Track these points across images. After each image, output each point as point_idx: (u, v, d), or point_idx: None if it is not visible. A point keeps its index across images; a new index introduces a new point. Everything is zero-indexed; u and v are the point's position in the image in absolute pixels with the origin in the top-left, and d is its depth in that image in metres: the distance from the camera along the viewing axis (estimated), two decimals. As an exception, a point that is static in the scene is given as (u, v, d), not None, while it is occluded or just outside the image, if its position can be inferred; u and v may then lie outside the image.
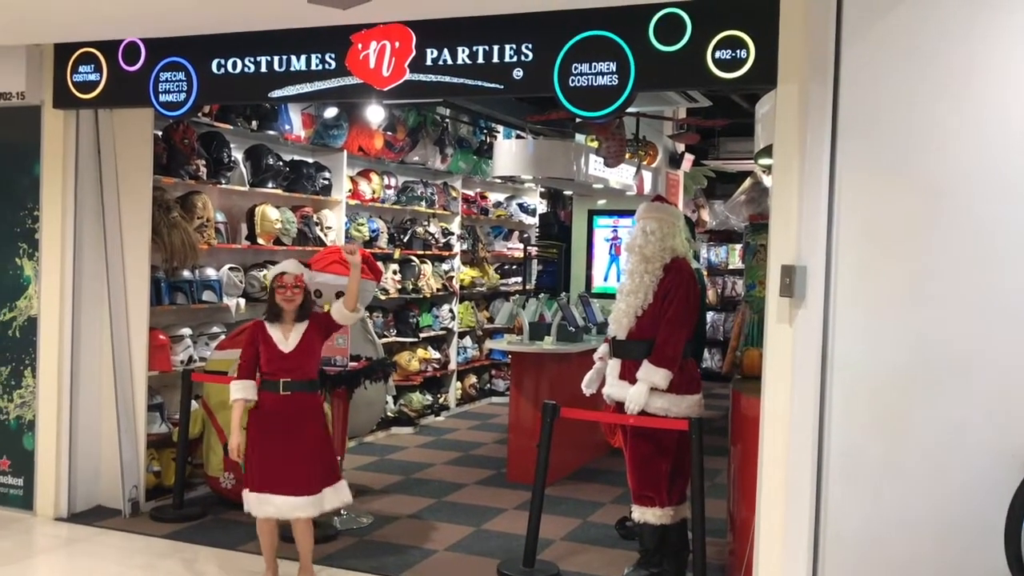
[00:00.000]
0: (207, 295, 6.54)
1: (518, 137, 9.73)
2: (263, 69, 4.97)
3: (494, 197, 10.92)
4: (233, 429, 4.54)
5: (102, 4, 4.66)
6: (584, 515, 6.17)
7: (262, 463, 4.52)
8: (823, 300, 3.77)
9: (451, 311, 9.70)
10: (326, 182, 7.79)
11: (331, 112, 7.61)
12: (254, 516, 4.57)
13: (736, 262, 12.80)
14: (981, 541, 3.44)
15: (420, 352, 9.02)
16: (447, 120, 9.30)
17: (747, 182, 7.14)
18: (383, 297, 8.39)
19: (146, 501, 5.88)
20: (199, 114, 6.45)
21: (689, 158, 10.71)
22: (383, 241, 8.54)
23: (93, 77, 5.42)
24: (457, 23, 4.57)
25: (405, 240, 8.91)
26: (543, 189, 11.60)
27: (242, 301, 6.81)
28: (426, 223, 9.30)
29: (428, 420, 9.16)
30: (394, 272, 8.65)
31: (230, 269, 6.78)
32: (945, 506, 3.58)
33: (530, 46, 4.44)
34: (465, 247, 10.03)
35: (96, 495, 5.91)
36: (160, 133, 6.25)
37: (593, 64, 4.32)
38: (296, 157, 7.64)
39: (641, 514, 4.85)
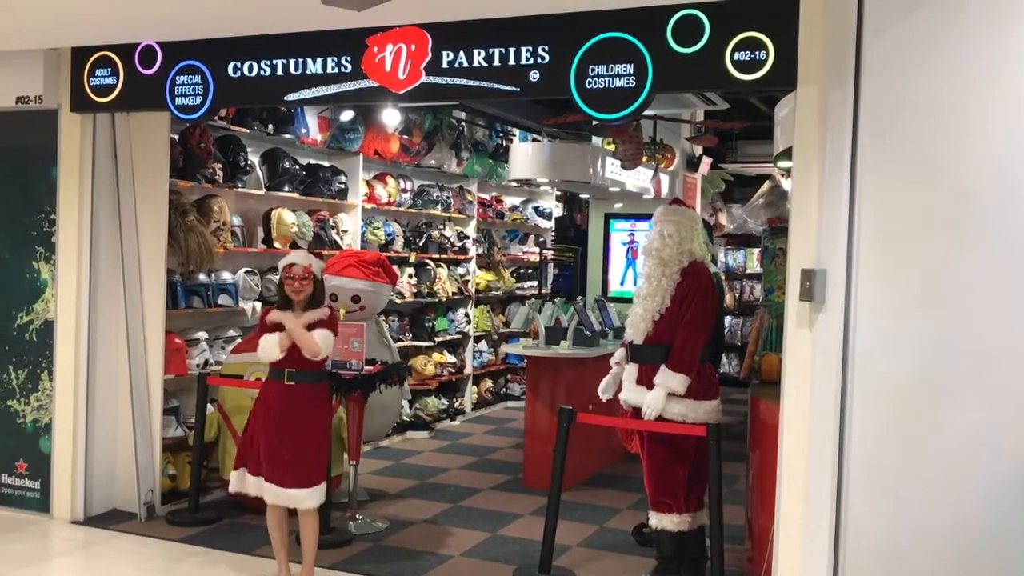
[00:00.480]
0: (223, 299, 6.54)
1: (534, 140, 9.70)
2: (279, 72, 4.97)
3: (510, 201, 10.89)
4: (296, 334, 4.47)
5: (118, 7, 4.67)
6: (601, 521, 6.13)
7: (266, 450, 4.52)
8: (843, 304, 3.72)
9: (467, 315, 9.67)
10: (342, 186, 7.78)
11: (347, 115, 7.60)
12: (239, 491, 4.62)
13: (754, 266, 12.72)
14: (1006, 550, 3.38)
15: (436, 356, 9.00)
16: (463, 123, 9.29)
17: (766, 185, 7.09)
18: (398, 301, 8.37)
19: (161, 505, 5.88)
20: (215, 118, 6.45)
21: (707, 161, 10.65)
22: (399, 245, 8.53)
23: (110, 81, 5.43)
24: (473, 25, 4.55)
25: (421, 244, 8.90)
26: (559, 193, 11.58)
27: (258, 305, 6.81)
28: (442, 227, 9.28)
29: (444, 424, 9.14)
30: (410, 276, 8.64)
31: (246, 273, 6.78)
32: (968, 513, 3.52)
33: (546, 48, 4.41)
34: (481, 251, 10.01)
35: (112, 498, 5.91)
36: (176, 137, 6.26)
37: (610, 66, 4.28)
38: (312, 161, 7.64)
39: (658, 520, 4.80)
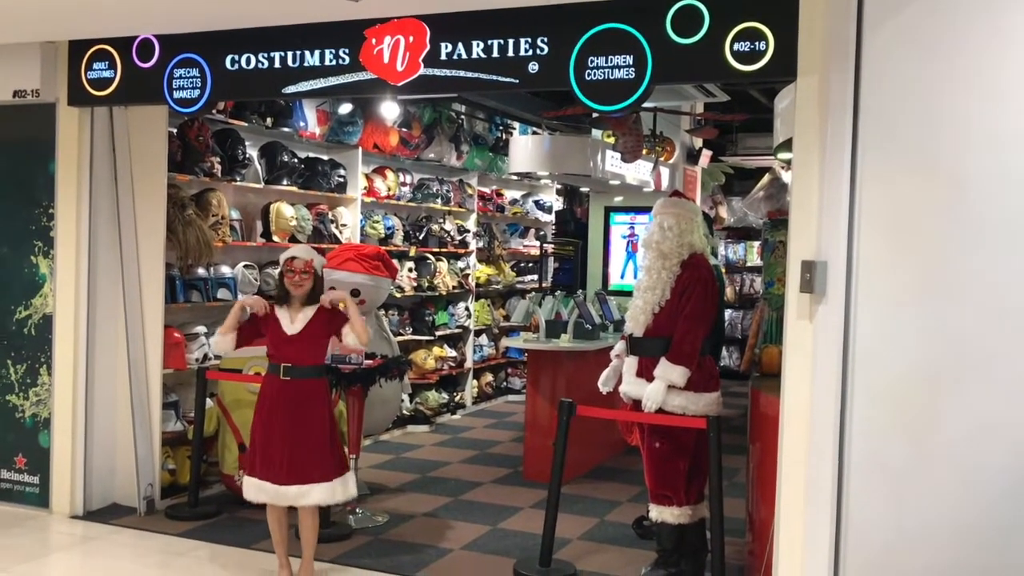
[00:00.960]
0: (222, 293, 6.53)
1: (534, 133, 9.67)
2: (277, 65, 4.95)
3: (510, 194, 10.87)
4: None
5: (116, 1, 4.65)
6: (601, 514, 6.12)
7: (263, 450, 4.50)
8: (844, 296, 3.70)
9: (467, 309, 9.66)
10: (341, 179, 7.76)
11: (346, 108, 7.59)
12: (249, 501, 4.55)
13: (754, 259, 12.70)
14: (1010, 542, 3.36)
15: (436, 350, 8.99)
16: (462, 117, 9.27)
17: (765, 178, 7.06)
18: (398, 295, 8.36)
19: (161, 499, 5.87)
20: (213, 111, 6.44)
21: (707, 154, 10.61)
22: (398, 238, 8.51)
23: (107, 74, 5.41)
24: (472, 17, 4.52)
25: (420, 237, 8.88)
26: (559, 186, 11.55)
27: (257, 299, 6.79)
28: (442, 220, 9.27)
29: (444, 418, 9.13)
30: (409, 270, 8.62)
31: (245, 267, 6.77)
32: (971, 506, 3.50)
33: (545, 39, 4.39)
34: (481, 245, 9.99)
35: (111, 493, 5.91)
36: (175, 130, 6.24)
37: (609, 57, 4.26)
38: (311, 154, 7.63)
39: (659, 513, 4.79)
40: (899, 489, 3.61)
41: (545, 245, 10.86)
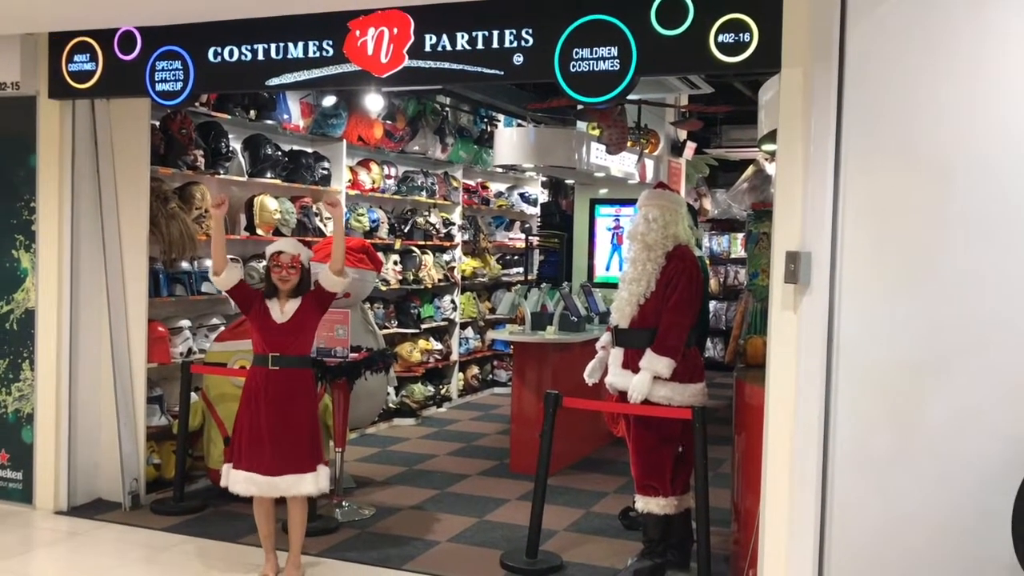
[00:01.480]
0: (206, 287, 6.49)
1: (519, 126, 9.66)
2: (260, 57, 4.92)
3: (495, 187, 10.86)
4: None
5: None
6: (587, 505, 6.14)
7: (250, 441, 4.49)
8: (828, 286, 3.72)
9: (453, 302, 9.65)
10: (325, 172, 7.73)
11: (330, 101, 7.56)
12: (235, 493, 4.53)
13: (738, 251, 12.74)
14: (992, 530, 3.39)
15: (422, 343, 8.98)
16: (447, 109, 9.24)
17: (749, 170, 7.09)
18: (384, 288, 8.34)
19: (146, 494, 5.84)
20: (196, 104, 6.40)
21: (691, 146, 10.64)
22: (383, 231, 8.49)
23: (89, 67, 5.36)
24: (456, 8, 4.51)
25: (406, 230, 8.86)
26: (544, 178, 11.55)
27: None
28: (427, 213, 9.25)
29: (430, 411, 9.13)
30: (395, 263, 8.61)
31: (229, 260, 6.71)
32: (955, 495, 3.53)
33: (530, 31, 4.38)
34: (466, 237, 9.98)
35: (96, 488, 5.88)
36: (157, 123, 6.20)
37: (594, 49, 4.26)
38: (295, 147, 7.59)
39: (645, 504, 4.81)
40: (883, 478, 3.65)
41: (530, 238, 10.86)
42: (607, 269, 10.29)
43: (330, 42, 4.76)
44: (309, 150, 7.70)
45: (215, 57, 5.02)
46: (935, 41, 3.58)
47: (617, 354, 4.84)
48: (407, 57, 4.62)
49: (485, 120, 10.03)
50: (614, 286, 5.31)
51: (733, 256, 12.98)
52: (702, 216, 12.61)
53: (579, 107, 7.90)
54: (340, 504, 5.72)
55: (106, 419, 5.81)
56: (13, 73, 5.55)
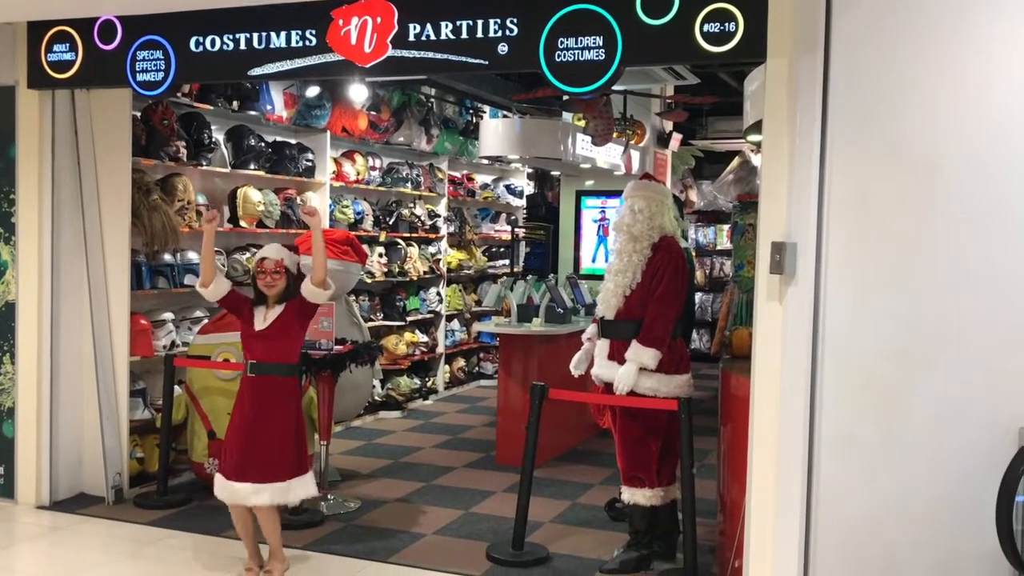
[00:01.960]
0: (189, 279, 6.43)
1: (504, 117, 9.63)
2: (242, 46, 4.87)
3: (481, 179, 10.83)
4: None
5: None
6: (573, 497, 6.14)
7: (228, 446, 4.47)
8: (814, 277, 3.71)
9: (438, 294, 9.62)
10: (309, 163, 7.68)
11: (313, 91, 7.50)
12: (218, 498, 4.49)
13: (724, 243, 12.76)
14: (977, 519, 3.40)
15: (407, 335, 8.95)
16: (432, 100, 9.20)
17: (735, 161, 7.10)
18: (369, 280, 8.31)
19: (130, 488, 5.81)
20: (178, 94, 6.34)
21: (677, 137, 10.64)
22: (368, 223, 8.45)
23: (68, 56, 5.30)
24: (440, -3, 4.47)
25: (391, 222, 8.82)
26: (530, 170, 11.52)
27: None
28: (412, 205, 9.21)
29: (416, 404, 9.10)
30: (380, 255, 8.57)
31: (214, 262, 6.66)
32: (940, 484, 3.54)
33: (515, 20, 4.35)
34: (452, 229, 9.94)
35: (79, 482, 5.83)
36: (139, 114, 6.14)
37: (579, 39, 4.23)
38: (278, 138, 7.54)
39: (631, 495, 4.81)
40: (869, 468, 3.65)
41: (516, 229, 10.84)
42: (593, 261, 10.29)
43: (313, 32, 4.72)
44: (293, 141, 7.65)
45: (197, 47, 4.97)
46: (922, 31, 3.57)
47: (603, 345, 4.83)
48: (391, 47, 4.58)
49: (470, 111, 9.99)
50: (600, 278, 5.30)
51: (719, 248, 13.00)
52: (688, 207, 12.62)
53: (564, 98, 7.87)
54: (325, 497, 5.69)
55: (88, 413, 5.76)
56: (-9, 63, 5.48)
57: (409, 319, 9.01)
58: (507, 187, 11.07)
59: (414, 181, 9.11)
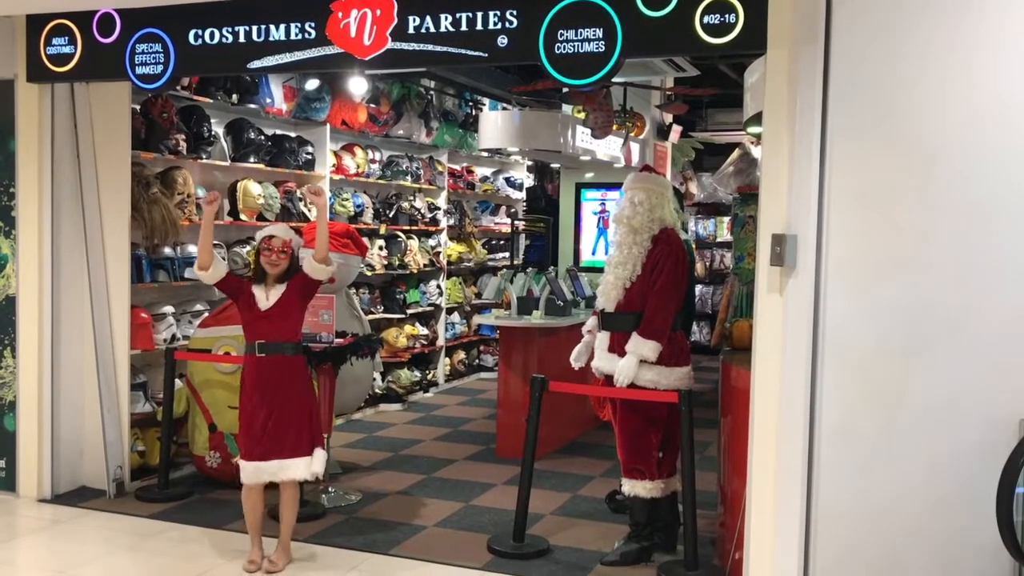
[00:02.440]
0: (189, 272, 6.42)
1: (504, 109, 9.61)
2: (241, 39, 4.86)
3: (481, 171, 10.82)
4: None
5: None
6: (574, 489, 6.14)
7: (248, 430, 4.50)
8: (814, 269, 3.72)
9: (439, 287, 9.62)
10: (309, 156, 7.68)
11: (313, 84, 7.49)
12: (247, 484, 4.52)
13: (724, 235, 12.75)
14: (976, 511, 3.41)
15: (408, 328, 8.95)
16: (431, 92, 9.18)
17: (735, 153, 7.07)
18: (369, 273, 8.31)
19: (131, 481, 5.82)
20: (178, 87, 6.33)
21: (677, 129, 10.62)
22: (368, 216, 8.44)
23: (67, 50, 5.29)
24: (439, -11, 4.46)
25: (391, 215, 8.82)
26: (530, 163, 11.51)
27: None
28: (412, 198, 9.20)
29: (416, 396, 9.11)
30: (380, 248, 8.56)
31: (212, 246, 6.66)
32: (940, 476, 3.55)
33: (515, 12, 4.34)
34: (452, 222, 9.94)
35: (80, 476, 5.84)
36: (138, 107, 6.13)
37: (579, 30, 4.22)
38: (278, 131, 7.53)
39: (631, 487, 4.81)
40: (869, 459, 3.66)
41: (516, 222, 10.83)
42: (593, 253, 10.27)
43: (312, 24, 4.71)
44: (292, 134, 7.64)
45: (196, 40, 4.96)
46: (924, 20, 3.57)
47: (603, 338, 4.83)
48: (390, 39, 4.57)
49: (470, 104, 9.97)
50: (600, 270, 5.30)
51: (719, 240, 12.99)
52: (688, 200, 12.61)
53: (564, 90, 7.86)
54: (326, 490, 5.70)
55: (89, 406, 5.76)
56: (-10, 57, 5.47)
57: (409, 312, 9.02)
58: (507, 180, 11.06)
59: (414, 174, 9.11)
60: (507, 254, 10.88)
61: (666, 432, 4.79)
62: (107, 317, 5.75)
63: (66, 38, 5.28)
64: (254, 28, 4.82)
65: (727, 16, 3.98)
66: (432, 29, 4.49)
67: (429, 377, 9.45)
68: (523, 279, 7.60)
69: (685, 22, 4.04)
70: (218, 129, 6.91)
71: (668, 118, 10.32)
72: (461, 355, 10.25)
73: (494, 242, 10.95)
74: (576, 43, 4.24)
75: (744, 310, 5.15)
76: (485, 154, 9.77)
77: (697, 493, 4.59)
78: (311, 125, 7.74)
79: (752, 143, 6.97)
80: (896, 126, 3.62)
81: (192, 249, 6.49)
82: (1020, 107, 3.47)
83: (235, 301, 4.64)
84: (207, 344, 5.95)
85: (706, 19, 4.01)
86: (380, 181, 8.75)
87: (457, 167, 10.19)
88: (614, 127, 8.29)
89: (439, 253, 9.61)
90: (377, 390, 8.46)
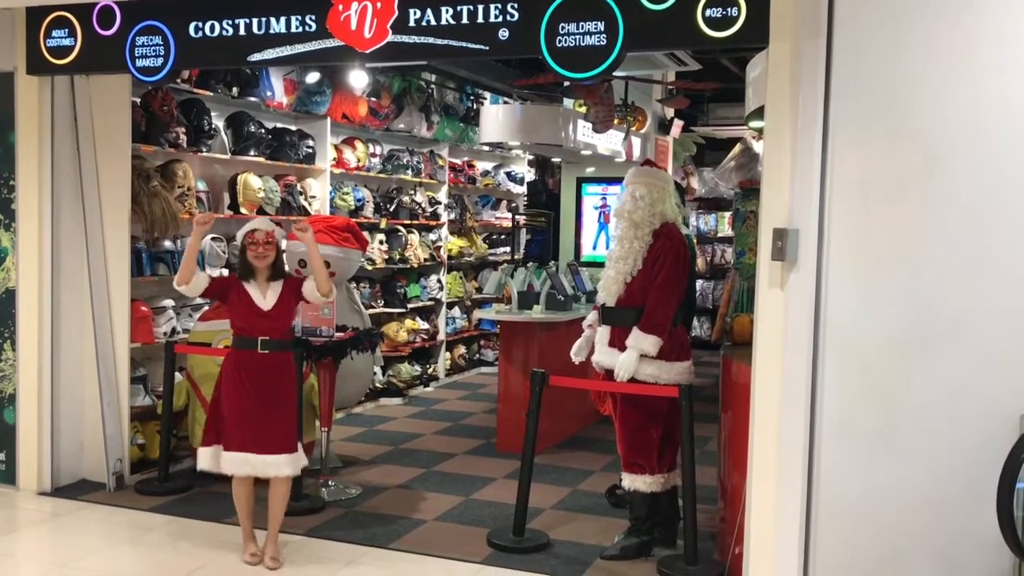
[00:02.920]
0: (189, 266, 6.42)
1: (505, 103, 9.59)
2: (241, 32, 4.84)
3: (481, 166, 10.80)
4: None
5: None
6: (574, 483, 6.14)
7: (240, 422, 4.49)
8: (815, 263, 3.70)
9: (439, 281, 9.62)
10: (310, 150, 7.66)
11: (313, 77, 7.47)
12: (229, 474, 4.56)
13: (725, 230, 12.74)
14: (977, 506, 3.40)
15: (408, 323, 8.95)
16: (432, 86, 9.17)
17: (737, 148, 7.06)
18: (370, 267, 8.30)
19: (131, 474, 5.81)
20: (178, 80, 6.30)
21: (678, 124, 10.60)
22: (369, 210, 8.43)
23: (67, 42, 5.27)
24: (441, -18, 4.44)
25: (391, 209, 8.81)
26: (531, 157, 11.49)
27: (225, 272, 6.70)
28: (412, 192, 9.19)
29: (417, 391, 9.11)
30: (380, 242, 8.55)
31: (212, 239, 6.67)
32: (940, 471, 3.54)
33: (516, 5, 4.32)
34: (452, 216, 9.93)
35: (80, 469, 5.84)
36: (138, 100, 6.12)
37: (580, 24, 4.21)
38: (278, 124, 7.51)
39: (631, 482, 4.81)
40: (870, 454, 3.65)
41: (517, 216, 10.82)
42: (594, 248, 10.27)
43: (313, 17, 4.69)
44: (293, 128, 7.63)
45: (196, 32, 4.95)
46: (928, 14, 3.55)
47: (604, 332, 4.83)
48: (391, 32, 4.56)
49: (471, 97, 9.95)
50: (601, 265, 5.29)
51: (720, 235, 12.98)
52: (689, 195, 12.59)
53: (565, 84, 7.84)
54: (326, 483, 5.70)
55: (89, 399, 5.76)
56: (-10, 49, 5.46)
57: (410, 306, 9.01)
58: (508, 174, 11.04)
59: (415, 168, 9.09)
60: (508, 248, 10.87)
61: (666, 427, 4.79)
62: (107, 310, 5.74)
63: (66, 30, 5.27)
64: (254, 21, 4.81)
65: (729, 9, 3.96)
66: (433, 22, 4.48)
67: (430, 371, 9.44)
68: (524, 274, 7.59)
69: (687, 15, 4.03)
70: (218, 122, 6.89)
71: (669, 112, 10.31)
72: (462, 349, 10.25)
73: (495, 236, 10.95)
74: (577, 36, 4.22)
75: (745, 305, 5.15)
76: (486, 148, 9.76)
77: (697, 488, 4.58)
78: (312, 119, 7.73)
79: (754, 138, 6.96)
80: (899, 120, 3.60)
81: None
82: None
83: (225, 302, 4.64)
84: (207, 338, 5.94)
85: (708, 12, 3.99)
86: (381, 175, 8.73)
87: (458, 161, 10.18)
88: (615, 121, 8.28)
89: (440, 247, 9.61)
90: (378, 384, 8.45)
